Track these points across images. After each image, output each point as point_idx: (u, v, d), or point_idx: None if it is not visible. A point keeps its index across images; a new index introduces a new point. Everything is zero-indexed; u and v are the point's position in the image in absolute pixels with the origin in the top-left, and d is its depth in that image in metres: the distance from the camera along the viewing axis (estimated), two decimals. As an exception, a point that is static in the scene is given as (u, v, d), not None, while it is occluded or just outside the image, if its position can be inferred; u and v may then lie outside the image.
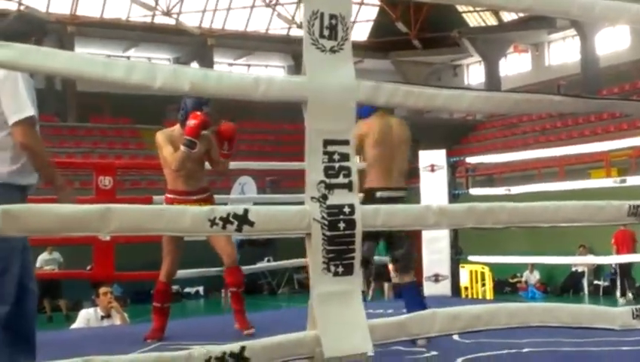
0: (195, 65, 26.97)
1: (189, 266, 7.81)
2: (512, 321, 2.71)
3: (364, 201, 4.75)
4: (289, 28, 29.91)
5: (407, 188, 4.89)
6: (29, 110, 3.34)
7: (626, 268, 16.22)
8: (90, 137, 25.48)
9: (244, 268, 7.76)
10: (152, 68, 2.29)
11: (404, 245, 4.82)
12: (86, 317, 7.38)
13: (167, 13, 27.73)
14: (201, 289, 20.86)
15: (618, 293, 16.54)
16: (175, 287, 20.28)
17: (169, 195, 5.25)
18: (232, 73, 2.52)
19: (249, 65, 30.80)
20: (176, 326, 6.55)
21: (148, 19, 27.77)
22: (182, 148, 5.06)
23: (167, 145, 5.20)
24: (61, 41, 24.69)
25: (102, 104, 25.63)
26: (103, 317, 7.29)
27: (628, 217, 2.98)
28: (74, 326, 7.52)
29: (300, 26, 29.35)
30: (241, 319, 5.36)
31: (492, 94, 2.89)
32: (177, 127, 5.31)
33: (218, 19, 28.75)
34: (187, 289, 20.67)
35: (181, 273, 7.39)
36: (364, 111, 4.70)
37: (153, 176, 22.88)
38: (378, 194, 4.72)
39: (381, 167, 4.75)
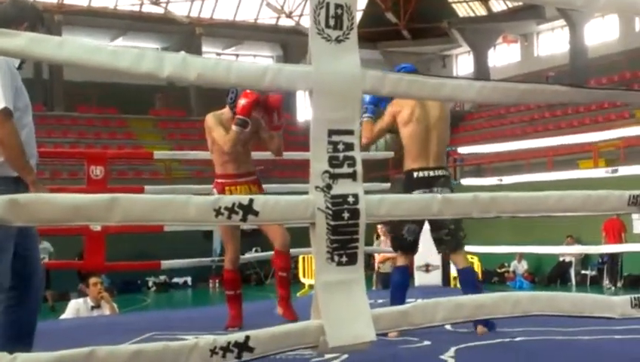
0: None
1: (178, 256, 7.84)
2: (515, 310, 2.73)
3: (404, 184, 4.69)
4: (278, 17, 29.84)
5: (447, 168, 4.77)
6: (1, 102, 3.31)
7: (615, 258, 16.42)
8: (77, 127, 25.36)
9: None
10: (160, 57, 2.29)
11: (447, 224, 4.61)
12: (76, 307, 7.37)
13: (156, 2, 27.61)
14: (189, 279, 20.85)
15: (606, 282, 16.73)
16: (162, 277, 20.30)
17: (218, 180, 5.26)
18: (241, 62, 2.52)
19: (237, 55, 30.68)
20: (166, 317, 6.56)
21: (136, 8, 27.64)
22: (234, 127, 5.00)
23: (218, 126, 5.14)
24: (49, 29, 24.53)
25: (89, 93, 25.51)
26: (92, 308, 7.28)
27: (628, 206, 3.01)
28: (64, 316, 7.51)
29: (288, 16, 29.30)
30: (286, 306, 5.21)
31: (497, 84, 2.90)
32: (226, 110, 5.23)
33: (207, 8, 28.64)
34: (175, 280, 20.66)
35: (170, 263, 7.44)
36: None
37: (141, 166, 22.86)
38: (415, 175, 4.63)
39: (417, 146, 4.65)
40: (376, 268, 12.91)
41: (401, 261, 4.84)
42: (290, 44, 28.60)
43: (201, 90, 25.22)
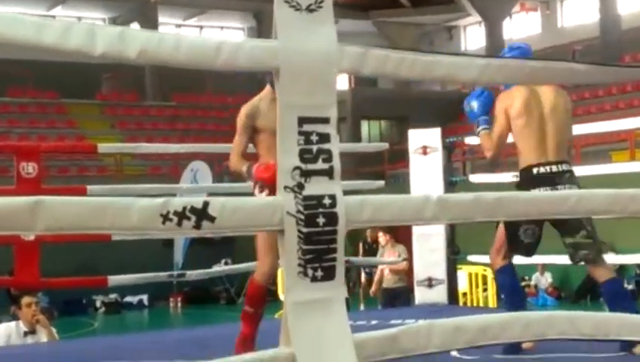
0: (135, 26, 26.80)
1: (130, 270, 7.82)
2: (526, 334, 2.73)
3: (521, 183, 4.79)
4: (250, -19, 29.78)
5: (570, 162, 4.83)
6: None
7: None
8: (8, 114, 25.25)
9: (196, 272, 7.71)
10: (92, 30, 2.28)
11: (584, 226, 4.61)
12: (6, 332, 7.33)
13: (101, -37, 27.49)
14: (144, 297, 20.78)
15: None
16: (113, 296, 20.25)
17: None
18: (192, 37, 2.49)
19: (201, 27, 30.63)
20: (117, 344, 6.54)
21: (77, -30, 27.52)
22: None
23: (243, 132, 4.87)
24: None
25: (22, 73, 25.35)
26: (26, 333, 7.25)
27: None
28: (-9, 344, 7.48)
29: (262, -21, 29.21)
30: (239, 345, 4.86)
31: (506, 61, 2.89)
32: (266, 92, 4.79)
33: (163, -30, 28.57)
34: (128, 298, 20.61)
35: (119, 278, 7.41)
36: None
37: (86, 161, 22.77)
38: (535, 171, 4.71)
39: (531, 139, 4.76)
40: (374, 283, 12.90)
41: (501, 260, 4.86)
42: (264, 13, 28.43)
43: (158, 70, 25.15)
